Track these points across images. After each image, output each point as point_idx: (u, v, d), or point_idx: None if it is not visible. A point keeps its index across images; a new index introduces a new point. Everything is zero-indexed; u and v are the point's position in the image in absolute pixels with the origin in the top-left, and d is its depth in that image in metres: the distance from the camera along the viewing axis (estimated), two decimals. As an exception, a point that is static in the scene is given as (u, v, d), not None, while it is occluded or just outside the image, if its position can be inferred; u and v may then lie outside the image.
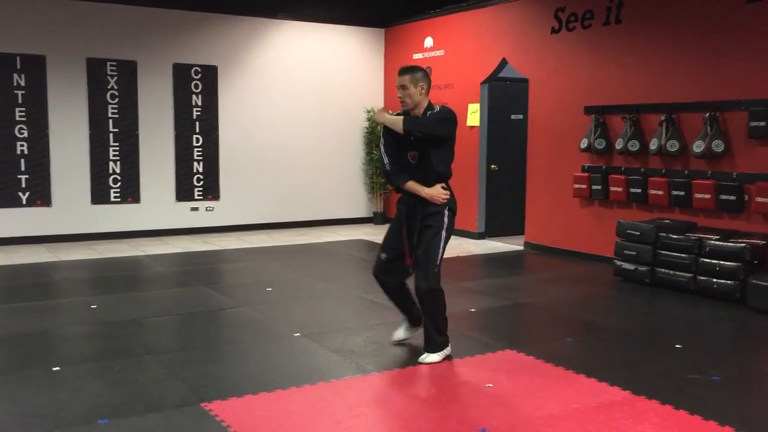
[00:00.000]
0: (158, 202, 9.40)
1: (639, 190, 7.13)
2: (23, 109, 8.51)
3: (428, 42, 9.94)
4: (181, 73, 9.38)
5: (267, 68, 9.97)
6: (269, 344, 4.69)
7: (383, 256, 4.39)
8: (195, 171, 9.59)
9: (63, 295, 6.19)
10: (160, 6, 9.11)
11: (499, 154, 9.38)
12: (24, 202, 8.62)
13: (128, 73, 9.04)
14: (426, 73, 4.27)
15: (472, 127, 9.27)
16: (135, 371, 4.09)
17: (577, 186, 7.75)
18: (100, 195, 9.03)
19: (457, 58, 9.48)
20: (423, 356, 4.29)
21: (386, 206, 10.86)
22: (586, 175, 7.65)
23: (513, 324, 5.49)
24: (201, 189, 9.67)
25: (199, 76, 9.50)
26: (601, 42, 7.57)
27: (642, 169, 7.16)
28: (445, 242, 4.23)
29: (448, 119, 4.23)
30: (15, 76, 8.43)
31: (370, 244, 8.92)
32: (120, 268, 7.32)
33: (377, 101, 10.76)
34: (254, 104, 9.92)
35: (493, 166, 9.35)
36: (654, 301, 6.05)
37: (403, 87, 4.20)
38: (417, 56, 10.13)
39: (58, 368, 4.12)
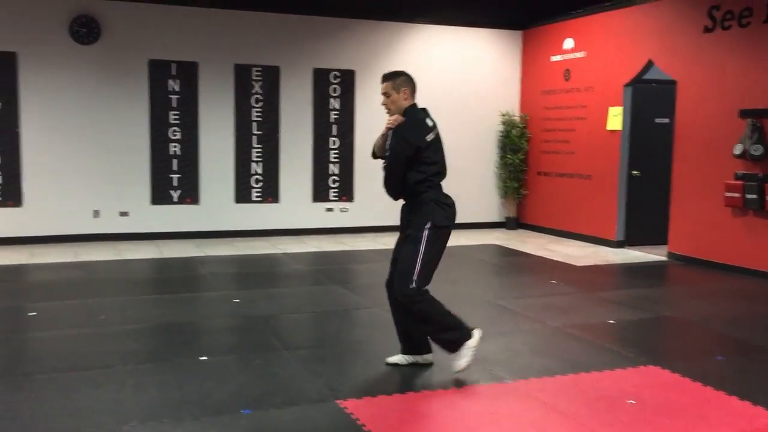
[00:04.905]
0: (296, 203, 9.73)
1: (801, 200, 6.57)
2: (177, 112, 9.08)
3: (568, 43, 9.66)
4: (321, 78, 9.66)
5: (403, 72, 10.04)
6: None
7: (391, 268, 4.20)
8: (331, 173, 9.85)
9: (209, 289, 6.53)
10: (302, 13, 9.43)
11: (642, 160, 8.94)
12: (175, 200, 9.19)
13: (271, 78, 9.42)
14: (408, 77, 4.11)
15: (613, 131, 8.90)
16: (274, 365, 4.23)
17: (729, 194, 7.24)
18: (243, 194, 9.47)
19: (598, 59, 9.14)
20: (453, 366, 3.97)
21: (519, 211, 10.65)
22: (740, 183, 7.13)
23: (656, 338, 5.20)
24: (336, 190, 9.90)
25: (338, 80, 9.74)
26: (760, 40, 7.03)
27: (805, 178, 6.59)
28: (426, 254, 3.94)
29: (403, 138, 4.03)
30: (170, 81, 9.02)
31: (503, 249, 8.78)
32: (260, 265, 7.64)
33: (513, 104, 10.58)
34: (390, 108, 10.02)
35: (634, 172, 8.93)
36: (817, 322, 5.54)
37: (385, 95, 4.08)
38: (556, 58, 9.86)
39: (205, 358, 4.35)
